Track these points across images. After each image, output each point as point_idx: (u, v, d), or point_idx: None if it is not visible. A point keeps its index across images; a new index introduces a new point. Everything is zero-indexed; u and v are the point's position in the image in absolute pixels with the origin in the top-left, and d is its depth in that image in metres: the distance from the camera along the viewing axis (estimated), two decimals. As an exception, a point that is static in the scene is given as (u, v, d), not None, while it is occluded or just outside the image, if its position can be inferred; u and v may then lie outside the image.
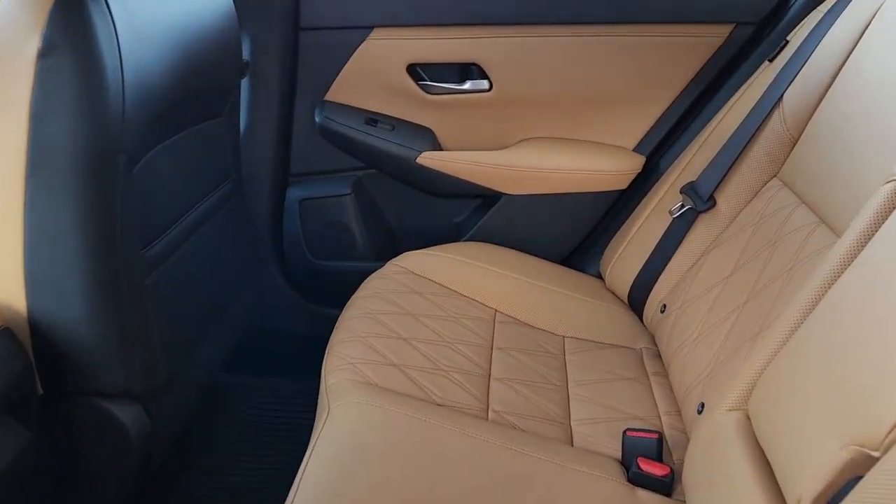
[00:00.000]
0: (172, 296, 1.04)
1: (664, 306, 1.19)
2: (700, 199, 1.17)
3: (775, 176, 1.10)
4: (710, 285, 1.08)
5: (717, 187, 1.16)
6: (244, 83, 1.32)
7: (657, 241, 1.24)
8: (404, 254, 1.29)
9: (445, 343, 1.10)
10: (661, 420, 1.04)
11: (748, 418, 0.80)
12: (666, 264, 1.21)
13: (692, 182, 1.21)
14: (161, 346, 1.00)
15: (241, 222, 1.29)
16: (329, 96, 1.39)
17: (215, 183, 1.17)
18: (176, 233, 1.04)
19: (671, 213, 1.21)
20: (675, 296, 1.16)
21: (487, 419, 0.98)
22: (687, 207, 1.19)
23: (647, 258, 1.24)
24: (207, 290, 1.17)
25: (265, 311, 1.46)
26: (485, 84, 1.36)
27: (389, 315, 1.12)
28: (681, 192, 1.22)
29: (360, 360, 1.02)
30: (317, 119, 1.39)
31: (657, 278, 1.22)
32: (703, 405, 0.94)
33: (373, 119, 1.39)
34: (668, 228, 1.23)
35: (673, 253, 1.21)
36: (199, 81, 1.06)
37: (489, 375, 1.07)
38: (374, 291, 1.18)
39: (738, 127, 1.17)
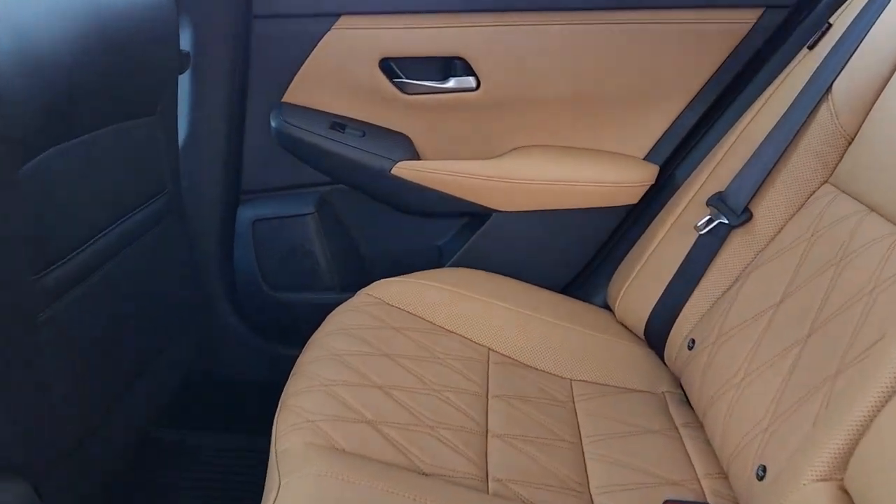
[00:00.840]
0: (81, 336, 0.81)
1: (692, 341, 0.98)
2: (732, 211, 0.98)
3: (827, 181, 0.92)
4: (755, 314, 0.88)
5: (752, 197, 0.97)
6: (184, 79, 1.11)
7: (679, 262, 1.04)
8: (378, 282, 1.08)
9: (430, 391, 0.89)
10: (701, 484, 0.84)
11: (845, 492, 0.60)
12: (692, 290, 1.02)
13: (720, 193, 1.02)
14: (60, 402, 0.77)
15: (180, 246, 1.07)
16: (287, 97, 1.18)
17: (144, 196, 0.96)
18: (86, 256, 0.82)
19: (697, 229, 1.01)
20: (707, 328, 0.96)
21: (488, 492, 0.76)
22: (717, 222, 1.00)
23: (667, 284, 1.05)
24: (133, 328, 0.94)
25: (212, 353, 1.23)
26: (471, 82, 1.16)
27: (359, 357, 0.90)
28: (707, 205, 1.02)
29: (323, 417, 0.79)
30: (273, 124, 1.18)
31: (681, 307, 1.02)
32: (764, 469, 0.73)
33: (339, 124, 1.19)
34: (692, 248, 1.03)
35: (700, 276, 1.01)
36: (120, 70, 0.86)
37: (486, 432, 0.85)
38: (341, 327, 0.96)
39: (776, 126, 0.98)
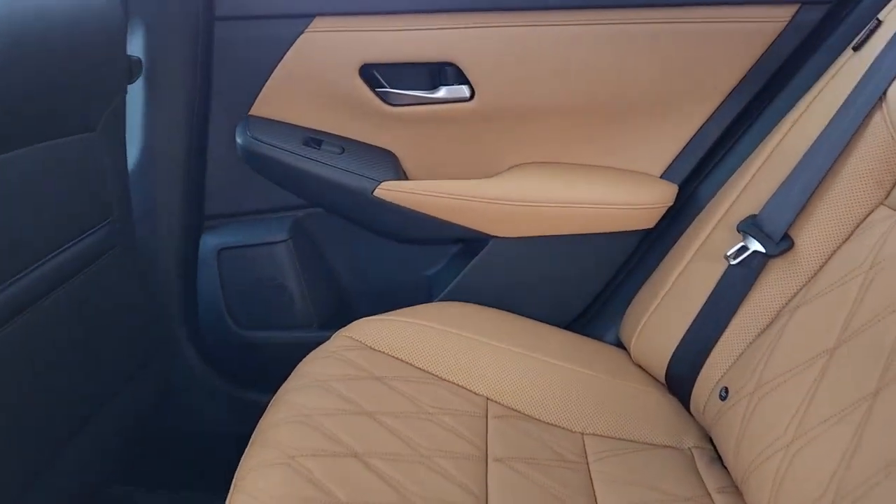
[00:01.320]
0: (13, 379, 0.70)
1: (724, 390, 0.84)
2: (769, 238, 0.84)
3: (883, 202, 0.78)
4: (805, 361, 0.74)
5: (793, 222, 0.83)
6: (135, 90, 0.97)
7: (706, 296, 0.90)
8: (358, 321, 0.94)
9: (419, 458, 0.74)
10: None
11: None
12: (722, 329, 0.88)
13: (753, 216, 0.89)
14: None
15: (130, 281, 0.92)
16: (255, 110, 1.04)
17: (85, 224, 0.81)
18: (15, 291, 0.69)
19: (727, 258, 0.87)
20: (743, 375, 0.82)
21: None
22: (751, 251, 0.86)
23: (691, 321, 0.91)
24: (77, 372, 0.80)
25: (172, 399, 1.08)
26: (465, 91, 1.02)
27: (334, 417, 0.76)
28: (738, 231, 0.89)
29: (285, 498, 0.64)
30: (239, 140, 1.04)
31: (710, 349, 0.88)
32: (833, 560, 0.59)
33: (315, 139, 1.05)
34: (721, 279, 0.90)
35: (732, 313, 0.87)
36: (50, 77, 0.72)
37: (486, 509, 0.70)
38: (312, 379, 0.81)
39: (818, 139, 0.85)
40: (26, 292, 0.71)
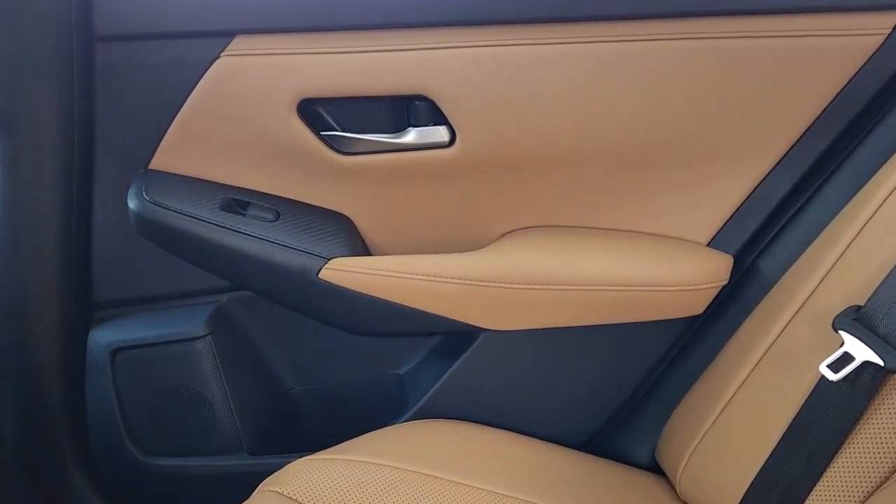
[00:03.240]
0: None
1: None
2: (888, 344, 0.58)
3: None
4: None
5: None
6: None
7: (787, 422, 0.64)
8: (291, 465, 0.66)
9: None
10: None
11: None
12: (818, 476, 0.61)
13: (858, 308, 0.62)
14: None
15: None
16: (156, 163, 0.77)
17: None
18: None
19: (821, 370, 0.61)
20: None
21: None
22: (860, 361, 0.59)
23: (766, 457, 0.64)
24: None
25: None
26: (442, 133, 0.75)
27: None
28: (835, 328, 0.62)
29: None
30: (132, 205, 0.76)
31: (803, 494, 0.61)
32: None
33: (238, 201, 0.78)
34: (811, 398, 0.63)
35: (835, 452, 0.60)
36: None
37: None
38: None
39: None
40: None
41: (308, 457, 0.67)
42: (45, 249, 0.75)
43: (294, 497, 0.63)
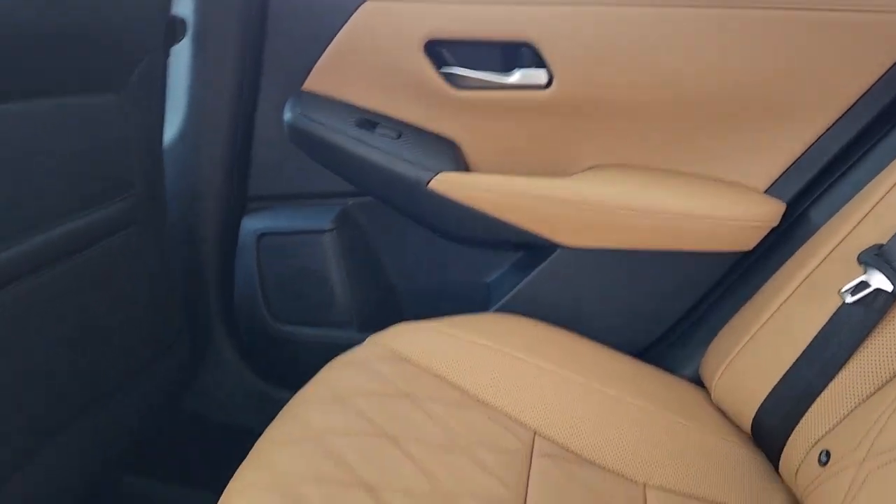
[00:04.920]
0: (10, 348, 0.62)
1: (826, 454, 0.69)
2: (899, 275, 0.68)
3: None
4: (938, 436, 0.58)
5: (934, 258, 0.67)
6: (180, 53, 0.89)
7: (810, 337, 0.75)
8: (396, 326, 0.83)
9: (450, 497, 0.62)
10: None
11: None
12: (828, 380, 0.72)
13: (879, 246, 0.72)
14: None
15: (152, 259, 0.84)
16: (308, 84, 0.95)
17: (99, 196, 0.73)
18: (11, 256, 0.62)
19: (842, 294, 0.72)
20: (852, 438, 0.66)
21: None
22: (874, 287, 0.70)
23: (789, 365, 0.76)
24: (82, 352, 0.73)
25: (199, 385, 1.00)
26: (541, 76, 0.90)
27: (350, 438, 0.65)
28: (859, 262, 0.73)
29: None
30: (288, 117, 0.94)
31: (810, 402, 0.73)
32: None
33: (370, 121, 0.94)
34: (832, 319, 0.74)
35: (843, 361, 0.71)
36: (76, 24, 0.64)
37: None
38: (332, 392, 0.71)
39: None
40: (25, 259, 0.64)
41: (408, 322, 0.84)
42: (216, 147, 0.94)
43: (395, 348, 0.79)
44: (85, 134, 0.70)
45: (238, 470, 0.61)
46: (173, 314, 0.89)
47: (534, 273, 0.95)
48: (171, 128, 0.91)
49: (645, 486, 0.73)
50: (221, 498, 0.58)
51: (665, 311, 0.95)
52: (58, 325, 0.70)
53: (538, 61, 0.89)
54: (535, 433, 0.75)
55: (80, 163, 0.70)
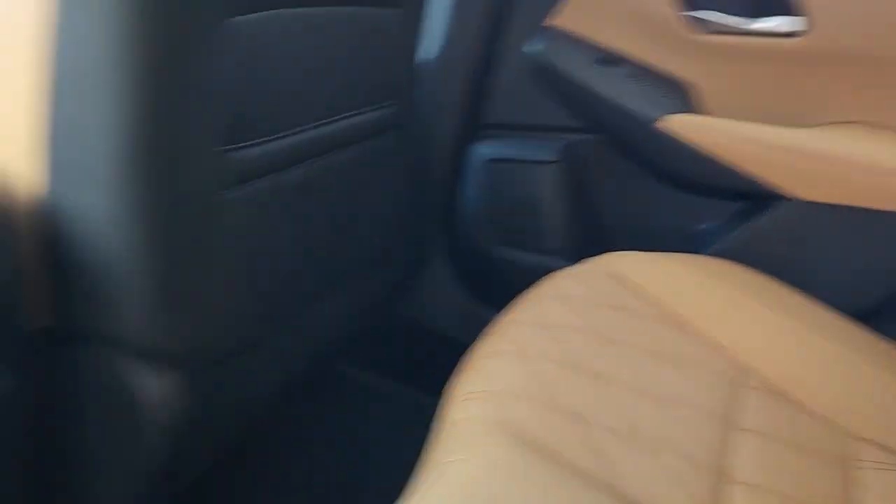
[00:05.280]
0: (267, 231, 0.71)
1: None
2: None
3: None
4: None
5: None
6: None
7: None
8: (610, 254, 0.86)
9: (658, 401, 0.66)
10: None
11: None
12: None
13: None
14: (234, 297, 0.67)
15: (400, 165, 0.94)
16: (553, 20, 0.99)
17: (367, 99, 0.83)
18: (283, 145, 0.71)
19: None
20: None
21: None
22: None
23: None
24: (325, 243, 0.83)
25: (415, 298, 1.10)
26: (790, 24, 0.88)
27: (574, 333, 0.70)
28: None
29: (514, 393, 0.61)
30: (530, 49, 1.00)
31: None
32: None
33: (609, 59, 0.98)
34: None
35: None
36: None
37: (724, 473, 0.61)
38: (559, 294, 0.76)
39: None
40: (302, 148, 0.73)
41: (623, 252, 0.87)
42: (459, 69, 1.01)
43: (612, 271, 0.83)
44: (369, 42, 0.80)
45: (483, 339, 0.69)
46: (411, 216, 0.99)
47: (757, 222, 0.94)
48: (428, 46, 0.99)
49: (858, 439, 0.72)
50: (468, 360, 0.66)
51: (890, 276, 0.90)
52: (323, 208, 0.80)
53: (792, 8, 0.87)
54: (748, 368, 0.76)
55: (362, 66, 0.80)
